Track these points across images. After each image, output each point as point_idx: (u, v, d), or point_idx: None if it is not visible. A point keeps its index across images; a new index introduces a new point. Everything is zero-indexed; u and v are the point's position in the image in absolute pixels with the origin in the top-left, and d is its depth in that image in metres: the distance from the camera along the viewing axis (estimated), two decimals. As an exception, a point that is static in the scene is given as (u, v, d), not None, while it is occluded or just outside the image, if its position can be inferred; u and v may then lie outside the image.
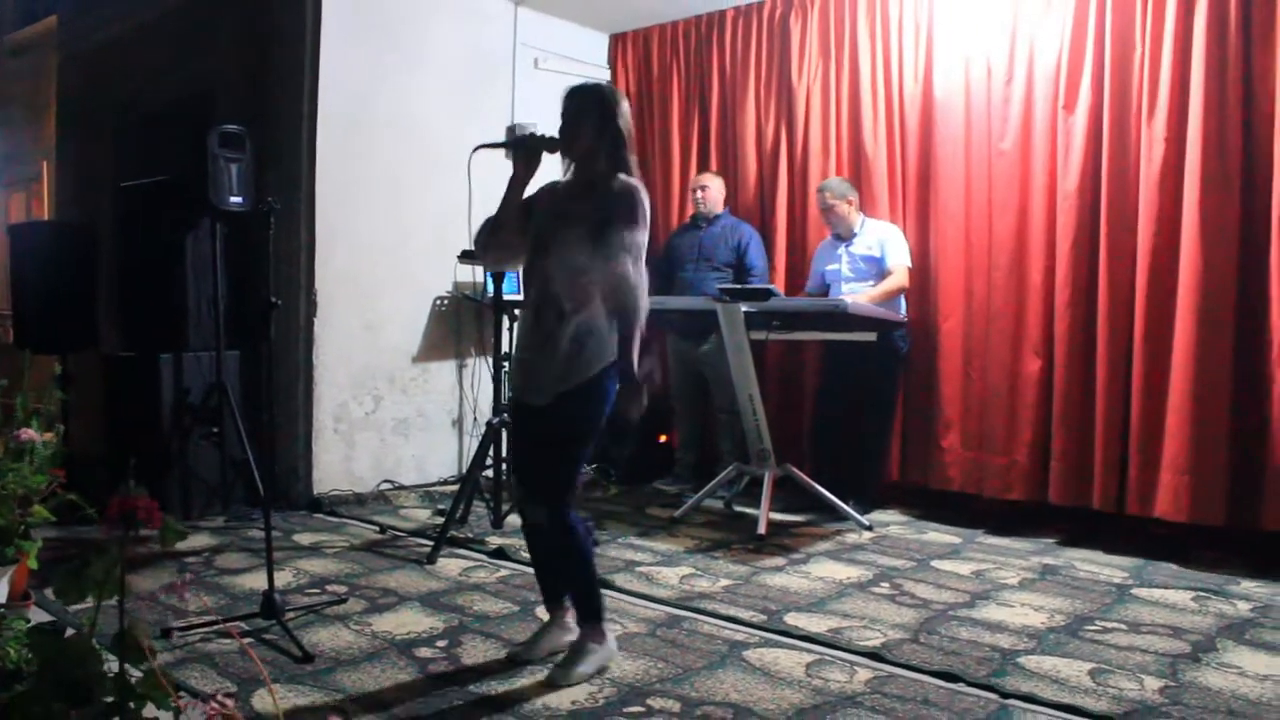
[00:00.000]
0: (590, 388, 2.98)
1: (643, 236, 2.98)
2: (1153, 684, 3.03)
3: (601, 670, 3.04)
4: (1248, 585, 4.10)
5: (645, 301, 2.96)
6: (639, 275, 2.94)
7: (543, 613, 3.33)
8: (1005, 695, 2.94)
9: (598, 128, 3.00)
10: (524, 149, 3.03)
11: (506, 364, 5.06)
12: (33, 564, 3.35)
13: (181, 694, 2.01)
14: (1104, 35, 4.77)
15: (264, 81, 5.55)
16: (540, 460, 3.08)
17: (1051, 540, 4.84)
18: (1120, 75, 4.74)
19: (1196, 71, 4.47)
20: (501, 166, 3.14)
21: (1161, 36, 4.59)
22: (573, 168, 3.09)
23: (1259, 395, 4.38)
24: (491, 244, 3.12)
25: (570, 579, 3.15)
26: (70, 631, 2.17)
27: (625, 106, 3.06)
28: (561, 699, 2.86)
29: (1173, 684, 3.04)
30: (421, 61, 5.67)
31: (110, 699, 1.90)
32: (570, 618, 3.19)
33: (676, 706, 2.82)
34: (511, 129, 3.06)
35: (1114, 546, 4.66)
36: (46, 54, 8.25)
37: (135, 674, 1.90)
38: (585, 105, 3.02)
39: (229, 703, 1.78)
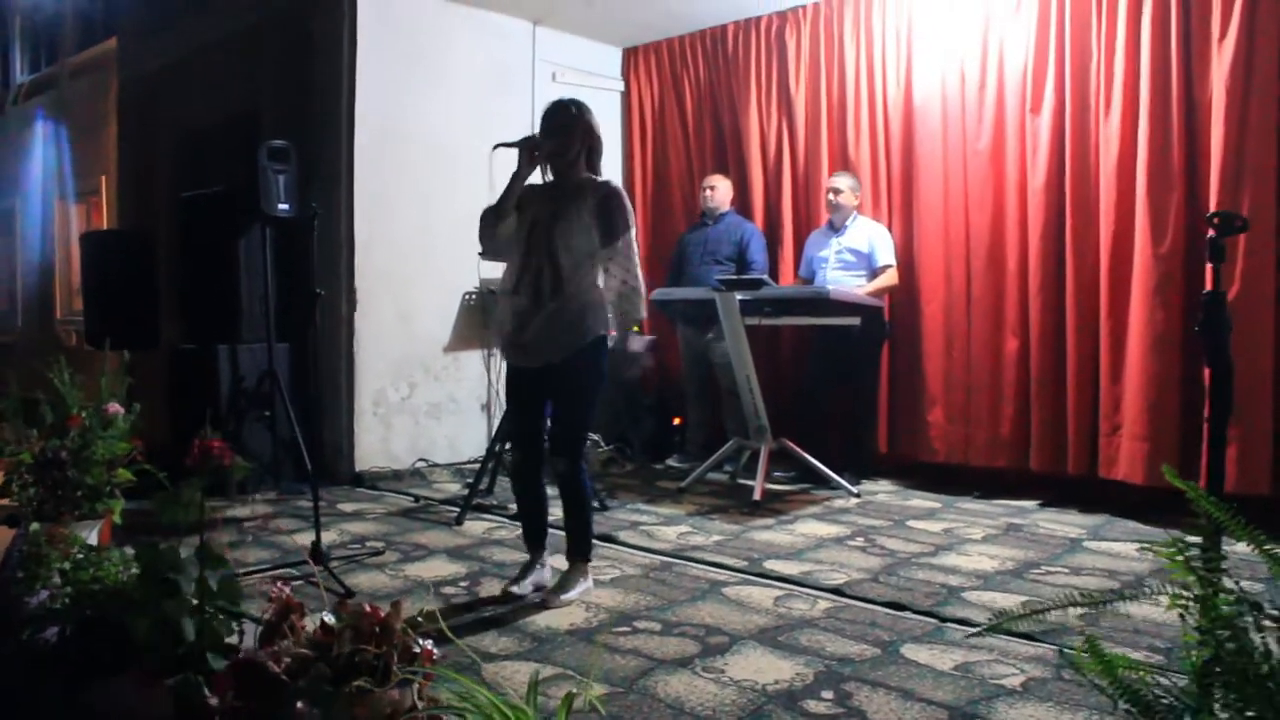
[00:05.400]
0: (593, 349, 3.59)
1: (634, 231, 3.66)
2: (1074, 611, 3.49)
3: (583, 596, 3.65)
4: (1193, 540, 4.52)
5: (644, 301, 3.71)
6: (642, 281, 3.66)
7: (557, 561, 3.85)
8: (943, 620, 3.43)
9: (581, 137, 3.57)
10: (527, 147, 3.56)
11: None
12: (117, 519, 3.93)
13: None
14: (1064, 43, 5.25)
15: (306, 100, 6.14)
16: (564, 415, 3.65)
17: (1030, 504, 5.30)
18: (1079, 79, 5.21)
19: (1145, 77, 4.94)
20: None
21: (1114, 45, 5.05)
22: (551, 170, 3.64)
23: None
24: (493, 231, 3.61)
25: (578, 520, 3.70)
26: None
27: (596, 119, 3.65)
28: (561, 620, 3.39)
29: (1092, 611, 3.51)
30: (447, 78, 6.25)
31: (193, 594, 2.45)
32: (547, 558, 3.77)
33: (658, 627, 3.34)
34: (528, 138, 3.61)
35: (1087, 508, 5.12)
36: (106, 75, 8.88)
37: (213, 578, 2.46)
38: (572, 118, 3.58)
39: (286, 589, 2.32)
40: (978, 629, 3.27)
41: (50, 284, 10.56)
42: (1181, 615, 1.57)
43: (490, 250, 3.67)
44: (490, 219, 3.62)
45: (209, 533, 2.49)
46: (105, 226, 9.07)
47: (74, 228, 9.99)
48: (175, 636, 2.41)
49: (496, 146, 3.60)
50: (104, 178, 9.28)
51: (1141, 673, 1.58)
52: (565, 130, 3.56)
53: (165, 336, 6.26)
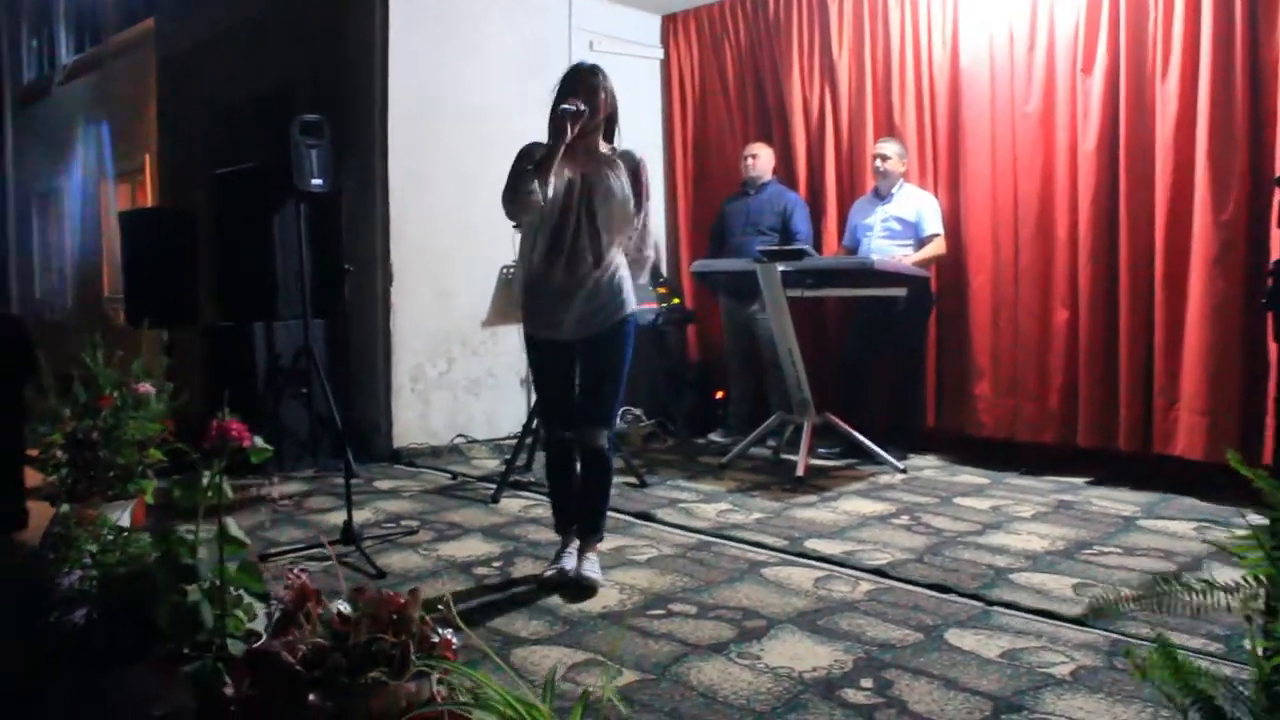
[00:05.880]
0: (628, 322, 3.52)
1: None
2: (1126, 593, 3.35)
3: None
4: (1254, 518, 4.34)
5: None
6: (653, 253, 3.71)
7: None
8: (990, 603, 3.30)
9: (605, 103, 3.46)
10: (574, 116, 3.38)
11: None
12: (149, 499, 3.91)
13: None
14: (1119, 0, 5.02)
15: (339, 75, 6.06)
16: (597, 388, 3.53)
17: (1079, 480, 5.13)
18: (1135, 38, 4.98)
19: (1206, 33, 4.70)
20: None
21: (1173, 1, 4.81)
22: (574, 134, 3.40)
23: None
24: (531, 194, 3.33)
25: (600, 496, 3.61)
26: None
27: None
28: (594, 603, 3.31)
29: (1148, 595, 3.36)
30: (481, 50, 6.13)
31: (212, 580, 2.39)
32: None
33: (693, 610, 3.24)
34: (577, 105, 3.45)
35: (1140, 484, 4.93)
36: (146, 54, 8.89)
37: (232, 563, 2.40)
38: (598, 80, 3.46)
39: (304, 575, 2.26)
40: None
41: (97, 263, 10.65)
42: (1248, 618, 1.44)
43: (520, 211, 3.47)
44: (530, 184, 3.35)
45: (237, 513, 2.45)
46: (149, 205, 9.10)
47: (118, 206, 10.05)
48: (195, 622, 2.36)
49: (563, 112, 3.40)
50: (147, 156, 9.30)
51: (1206, 678, 1.44)
52: (592, 94, 3.44)
53: (203, 314, 6.25)
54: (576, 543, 3.64)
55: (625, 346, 3.52)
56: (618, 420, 3.64)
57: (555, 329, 3.49)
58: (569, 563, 3.57)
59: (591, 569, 3.52)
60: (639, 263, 3.59)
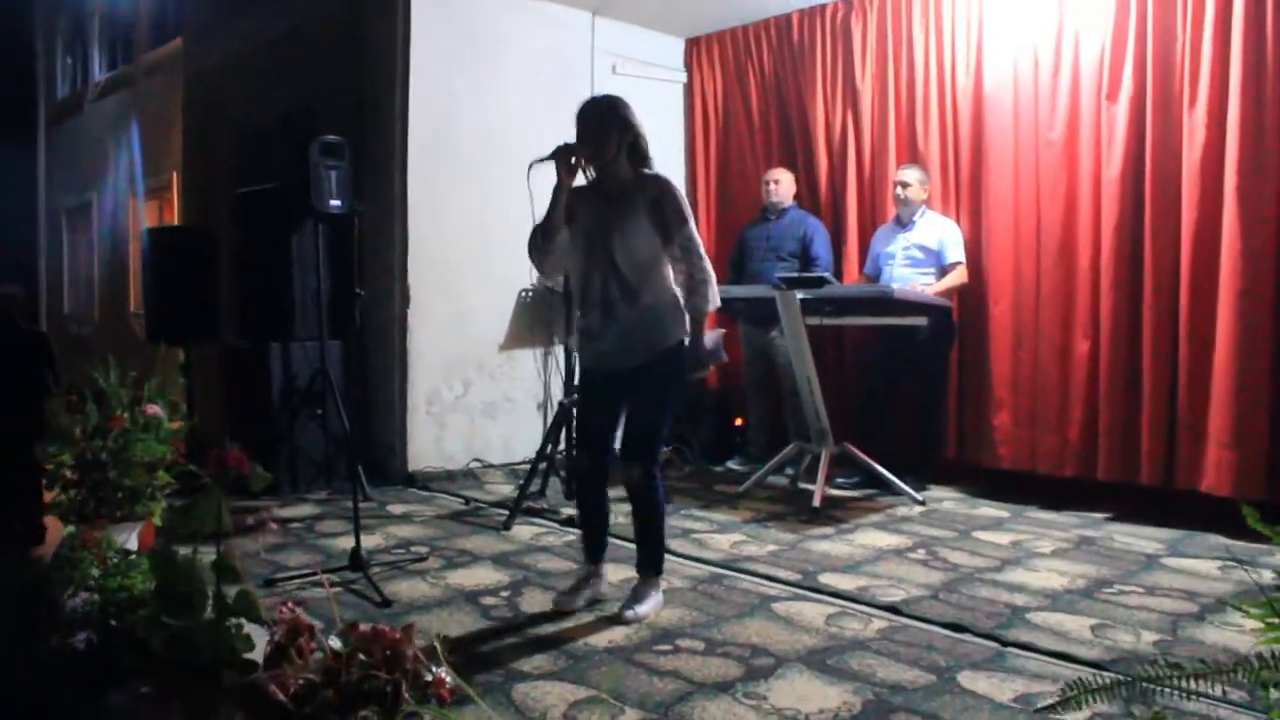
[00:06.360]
0: (673, 352, 3.46)
1: (693, 223, 3.50)
2: (1149, 637, 3.27)
3: (656, 610, 3.50)
4: (1280, 557, 4.24)
5: (716, 292, 3.49)
6: (711, 271, 3.49)
7: (608, 572, 3.74)
8: (1005, 644, 3.22)
9: (617, 133, 3.40)
10: (563, 157, 3.40)
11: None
12: (157, 521, 3.90)
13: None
14: (1145, 26, 4.95)
15: (361, 96, 6.08)
16: (635, 420, 3.50)
17: (1101, 515, 5.03)
18: (1162, 65, 4.90)
19: (1235, 61, 4.62)
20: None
21: (1202, 27, 4.74)
22: (596, 171, 3.47)
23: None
24: (547, 251, 3.46)
25: (651, 530, 3.56)
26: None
27: (633, 112, 3.46)
28: (601, 638, 3.25)
29: (1168, 638, 3.27)
30: (503, 72, 6.13)
31: (210, 612, 2.36)
32: (604, 570, 3.66)
33: (701, 646, 3.18)
34: (562, 147, 3.42)
35: (1163, 520, 4.82)
36: (176, 73, 8.95)
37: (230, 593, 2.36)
38: (605, 115, 3.41)
39: (299, 609, 2.22)
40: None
41: (124, 278, 10.71)
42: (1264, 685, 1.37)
43: (545, 270, 3.54)
44: (540, 240, 3.44)
45: (240, 537, 2.42)
46: (175, 222, 9.14)
47: (147, 223, 10.10)
48: (191, 652, 2.33)
49: (532, 165, 3.39)
50: (175, 174, 9.36)
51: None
52: (600, 128, 3.39)
53: (223, 333, 6.25)
54: (603, 571, 3.66)
55: (670, 375, 3.48)
56: (659, 450, 3.58)
57: (599, 358, 3.51)
58: (589, 592, 3.59)
59: (632, 607, 3.44)
60: (696, 289, 3.45)
